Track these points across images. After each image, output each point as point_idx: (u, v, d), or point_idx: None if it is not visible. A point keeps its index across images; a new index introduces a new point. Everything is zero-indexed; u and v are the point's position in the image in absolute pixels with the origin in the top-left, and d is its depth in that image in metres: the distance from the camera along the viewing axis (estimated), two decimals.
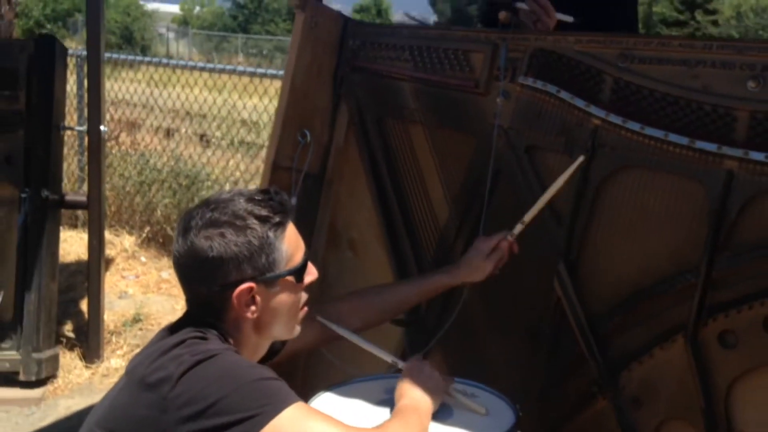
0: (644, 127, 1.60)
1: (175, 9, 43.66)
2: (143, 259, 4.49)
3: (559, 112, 1.76)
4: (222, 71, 4.51)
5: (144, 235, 4.73)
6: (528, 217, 1.71)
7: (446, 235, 1.98)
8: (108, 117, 5.04)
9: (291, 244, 1.35)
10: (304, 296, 1.43)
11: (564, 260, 1.72)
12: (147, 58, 5.12)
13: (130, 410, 1.23)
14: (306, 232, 2.21)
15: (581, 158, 1.66)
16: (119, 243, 4.67)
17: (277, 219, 1.32)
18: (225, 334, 1.32)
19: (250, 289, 1.30)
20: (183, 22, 34.81)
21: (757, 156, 1.44)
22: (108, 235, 4.41)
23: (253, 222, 1.29)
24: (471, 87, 1.91)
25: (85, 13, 3.30)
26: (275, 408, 1.17)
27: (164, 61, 4.88)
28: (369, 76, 2.14)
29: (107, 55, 4.27)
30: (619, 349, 1.67)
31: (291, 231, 1.36)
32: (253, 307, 1.32)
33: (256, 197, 1.34)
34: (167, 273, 4.10)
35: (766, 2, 26.44)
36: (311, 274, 1.42)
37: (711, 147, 1.50)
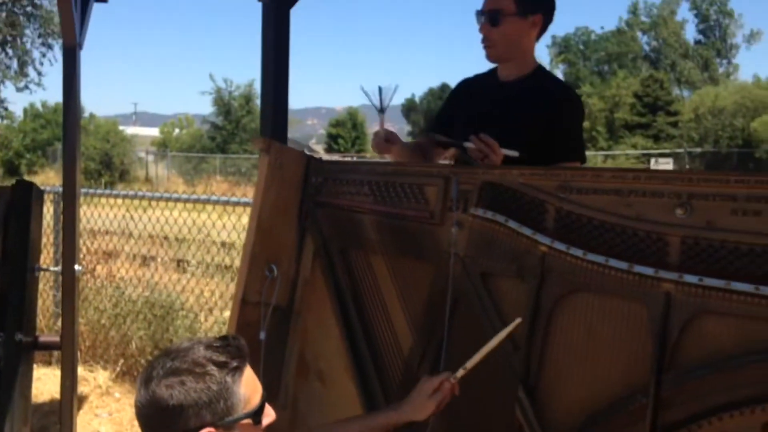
0: (586, 253, 1.70)
1: (154, 132, 44.68)
2: (117, 395, 4.45)
3: (509, 240, 1.86)
4: (197, 201, 4.63)
5: (118, 368, 4.71)
6: (470, 364, 1.77)
7: (410, 362, 2.03)
8: (84, 250, 5.11)
9: (248, 387, 1.40)
10: None
11: (523, 386, 1.77)
12: (122, 192, 5.22)
13: None
14: (276, 364, 2.27)
15: (518, 320, 1.74)
16: (93, 379, 4.63)
17: (234, 364, 1.38)
18: None
19: None
20: (162, 145, 35.53)
21: (691, 279, 1.54)
22: (82, 371, 4.39)
23: (211, 368, 1.36)
24: (427, 218, 2.02)
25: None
26: None
27: (140, 193, 5.00)
28: (332, 211, 2.25)
29: (84, 190, 4.38)
30: None
31: (248, 374, 1.42)
32: None
33: (214, 344, 1.41)
34: None
35: (723, 102, 27.68)
36: (269, 416, 1.46)
37: (648, 271, 1.60)
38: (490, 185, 1.92)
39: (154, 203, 5.25)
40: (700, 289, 1.53)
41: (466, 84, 2.56)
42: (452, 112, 2.54)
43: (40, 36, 27.16)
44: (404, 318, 2.07)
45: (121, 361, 4.72)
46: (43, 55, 27.53)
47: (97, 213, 5.89)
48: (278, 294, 2.22)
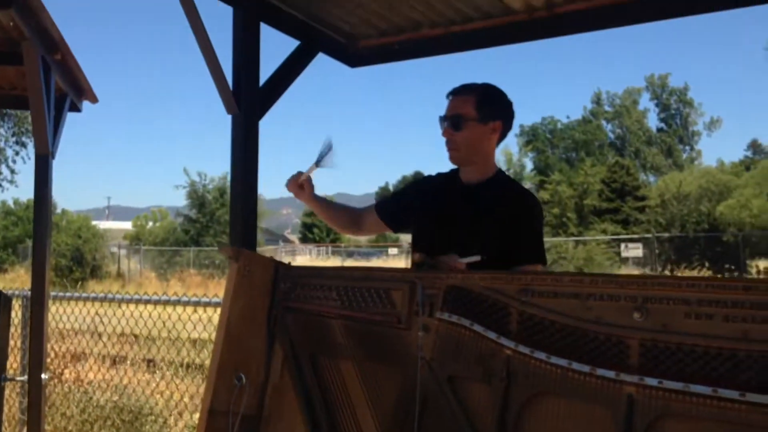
0: (550, 356, 1.73)
1: (127, 225, 44.46)
2: None
3: (475, 343, 1.89)
4: (167, 302, 4.61)
5: None
6: None
7: None
8: (52, 354, 5.01)
9: None
10: None
11: None
12: (92, 295, 5.18)
13: None
14: None
15: None
16: None
17: None
18: None
19: None
20: (135, 239, 35.32)
21: (651, 381, 1.57)
22: None
23: None
24: (394, 322, 2.05)
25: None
26: None
27: (109, 296, 4.96)
28: (301, 316, 2.27)
29: (53, 293, 4.34)
30: None
31: None
32: None
33: None
34: None
35: (688, 188, 28.40)
36: None
37: (610, 374, 1.63)
38: (454, 289, 1.96)
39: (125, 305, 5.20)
40: (661, 392, 1.56)
41: (429, 181, 2.63)
42: (410, 202, 2.60)
43: (14, 135, 27.34)
44: (373, 423, 2.06)
45: None
46: (17, 153, 27.65)
47: (69, 310, 5.81)
48: (247, 402, 2.20)
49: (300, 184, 2.53)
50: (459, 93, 2.43)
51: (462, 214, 2.37)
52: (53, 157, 3.29)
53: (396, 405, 2.02)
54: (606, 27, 2.93)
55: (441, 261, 2.10)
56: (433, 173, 2.64)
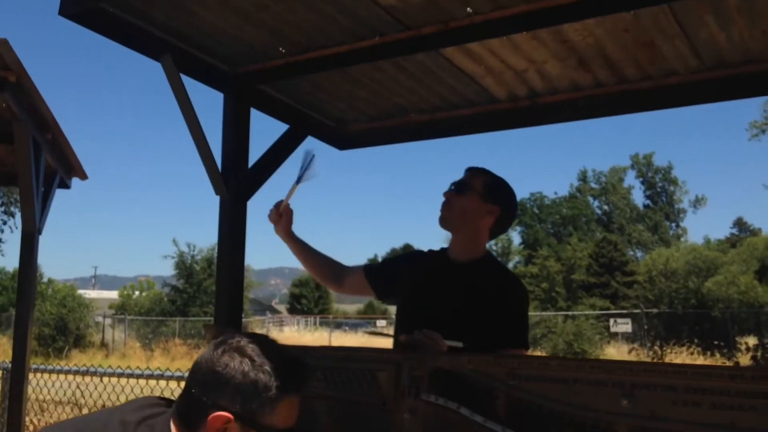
0: None
1: (114, 295, 43.99)
2: None
3: (462, 427, 1.86)
4: (150, 377, 4.54)
5: None
6: None
7: None
8: (31, 427, 4.89)
9: (284, 410, 1.46)
10: None
11: None
12: (74, 368, 5.08)
13: None
14: None
15: None
16: None
17: (289, 386, 1.46)
18: None
19: (227, 419, 1.41)
20: (121, 308, 34.89)
21: None
22: None
23: (271, 372, 1.43)
24: (379, 404, 2.02)
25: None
26: None
27: (91, 369, 4.88)
28: None
29: (34, 366, 4.27)
30: None
31: (292, 404, 1.48)
32: None
33: (287, 359, 1.49)
34: None
35: (675, 264, 28.53)
36: None
37: None
38: (441, 371, 1.94)
39: (106, 364, 5.11)
40: None
41: (420, 256, 2.65)
42: (399, 273, 2.61)
43: (2, 205, 27.32)
44: None
45: None
46: (4, 223, 27.57)
47: (50, 382, 5.68)
48: None
49: (280, 213, 2.54)
50: (475, 170, 2.53)
51: (448, 294, 2.38)
52: (40, 233, 3.29)
53: None
54: (585, 118, 3.01)
55: (425, 334, 2.09)
56: (424, 249, 2.66)
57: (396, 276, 2.60)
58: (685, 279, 27.35)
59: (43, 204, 3.24)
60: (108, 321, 31.69)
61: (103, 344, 28.64)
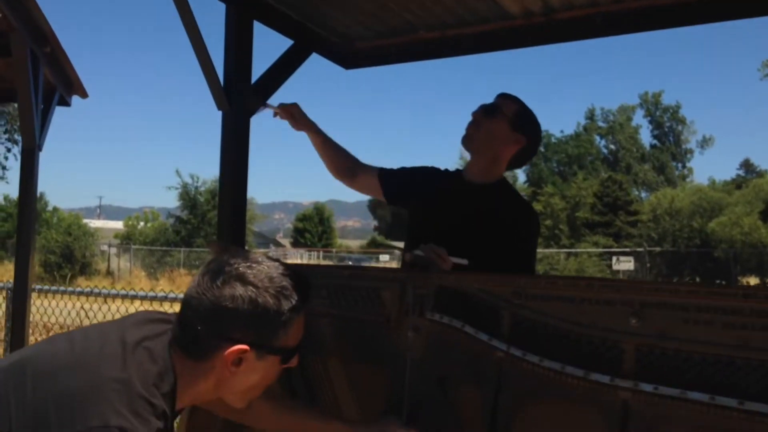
0: (542, 360, 1.69)
1: (118, 225, 44.29)
2: None
3: (466, 344, 1.84)
4: (154, 299, 4.55)
5: None
6: None
7: None
8: None
9: (296, 328, 1.43)
10: (275, 376, 1.50)
11: None
12: (78, 290, 5.10)
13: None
14: None
15: None
16: None
17: (298, 303, 1.41)
18: (185, 370, 1.38)
19: (244, 351, 1.37)
20: (126, 238, 35.15)
21: (647, 387, 1.53)
22: None
23: (278, 294, 1.38)
24: (383, 322, 2.00)
25: None
26: None
27: (95, 290, 4.89)
28: None
29: (38, 287, 4.28)
30: None
31: (301, 320, 1.45)
32: (233, 368, 1.39)
33: (289, 276, 1.42)
34: None
35: (680, 203, 28.50)
36: (294, 362, 1.50)
37: (604, 379, 1.59)
38: (446, 290, 1.91)
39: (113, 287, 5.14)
40: (657, 398, 1.52)
41: (435, 172, 2.59)
42: (413, 183, 2.56)
43: (6, 132, 27.20)
44: None
45: None
46: (9, 150, 27.51)
47: (55, 304, 5.72)
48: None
49: (286, 108, 2.46)
50: (508, 96, 2.46)
51: (460, 213, 2.33)
52: (40, 150, 3.23)
53: (384, 406, 1.96)
54: (602, 35, 2.90)
55: (431, 248, 2.05)
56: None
57: (409, 186, 2.55)
58: (690, 219, 27.36)
59: (42, 120, 3.17)
60: (113, 250, 31.96)
61: (109, 272, 28.95)
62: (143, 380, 1.34)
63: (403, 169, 2.62)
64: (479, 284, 1.85)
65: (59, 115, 3.52)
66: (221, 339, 1.37)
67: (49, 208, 32.54)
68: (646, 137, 55.39)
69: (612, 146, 53.11)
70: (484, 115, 2.41)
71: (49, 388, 1.32)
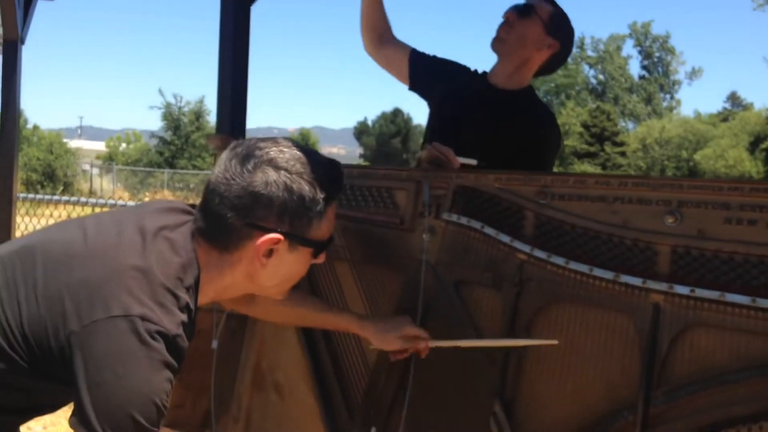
0: (569, 262, 1.61)
1: (100, 146, 43.65)
2: None
3: (485, 247, 1.76)
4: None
5: None
6: (458, 343, 1.70)
7: (376, 374, 1.90)
8: None
9: (328, 219, 1.35)
10: (305, 269, 1.42)
11: (500, 400, 1.66)
12: (64, 198, 4.95)
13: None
14: (229, 374, 2.11)
15: (555, 342, 1.60)
16: None
17: (333, 191, 1.34)
18: (210, 262, 1.31)
19: (277, 241, 1.28)
20: (108, 159, 34.72)
21: (682, 290, 1.46)
22: None
23: (314, 183, 1.28)
24: (396, 223, 1.90)
25: None
26: None
27: (81, 200, 4.75)
28: None
29: (22, 195, 4.14)
30: None
31: (333, 209, 1.37)
32: (265, 259, 1.30)
33: (325, 164, 1.34)
34: None
35: (668, 134, 28.49)
36: (322, 258, 1.43)
37: (636, 281, 1.51)
38: (464, 190, 1.81)
39: (98, 210, 5.00)
40: (692, 301, 1.45)
41: (464, 71, 2.43)
42: (440, 74, 2.40)
43: None
44: None
45: None
46: None
47: (38, 220, 5.59)
48: None
49: None
50: None
51: (481, 115, 2.22)
52: (23, 43, 3.03)
53: (396, 310, 1.89)
54: None
55: (435, 147, 1.93)
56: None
57: (437, 78, 2.39)
58: (677, 149, 27.40)
59: (25, 11, 2.98)
60: (95, 170, 31.57)
61: (92, 192, 28.66)
62: (165, 271, 1.24)
63: (435, 58, 2.45)
64: (501, 184, 1.75)
65: (41, 9, 3.30)
66: (253, 227, 1.27)
67: (29, 125, 31.87)
68: (635, 69, 54.87)
69: (601, 76, 52.58)
70: (518, 16, 2.25)
71: (63, 278, 1.22)
